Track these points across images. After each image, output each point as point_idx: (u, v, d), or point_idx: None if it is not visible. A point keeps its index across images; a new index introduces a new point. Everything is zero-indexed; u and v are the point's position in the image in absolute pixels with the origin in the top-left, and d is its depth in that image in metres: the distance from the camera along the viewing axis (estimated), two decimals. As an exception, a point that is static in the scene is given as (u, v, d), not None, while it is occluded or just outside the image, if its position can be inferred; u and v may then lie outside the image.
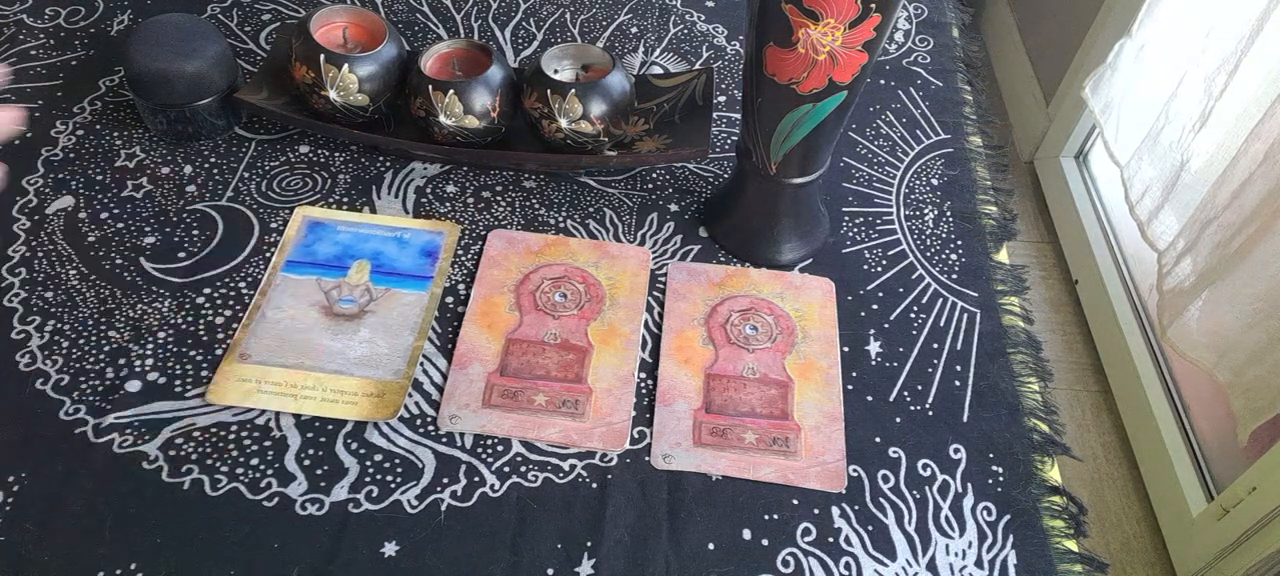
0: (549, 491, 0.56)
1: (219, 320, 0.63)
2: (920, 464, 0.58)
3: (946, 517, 0.56)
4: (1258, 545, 1.09)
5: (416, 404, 0.59)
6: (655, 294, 0.67)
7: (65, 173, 0.71)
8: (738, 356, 0.63)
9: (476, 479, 0.56)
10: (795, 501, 0.56)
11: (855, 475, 0.57)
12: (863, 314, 0.66)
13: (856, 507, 0.56)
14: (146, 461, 0.55)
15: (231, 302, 0.64)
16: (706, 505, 0.56)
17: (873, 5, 0.52)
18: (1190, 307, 1.12)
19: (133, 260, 0.66)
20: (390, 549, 0.53)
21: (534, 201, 0.72)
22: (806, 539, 0.55)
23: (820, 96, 0.57)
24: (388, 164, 0.74)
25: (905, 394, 0.62)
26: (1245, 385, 1.05)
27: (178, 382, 0.59)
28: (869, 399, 0.61)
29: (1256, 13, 1.06)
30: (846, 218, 0.73)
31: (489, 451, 0.57)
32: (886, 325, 0.66)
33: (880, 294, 0.68)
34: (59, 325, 0.62)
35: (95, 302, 0.63)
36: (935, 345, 0.65)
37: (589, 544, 0.53)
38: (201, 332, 0.62)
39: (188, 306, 0.63)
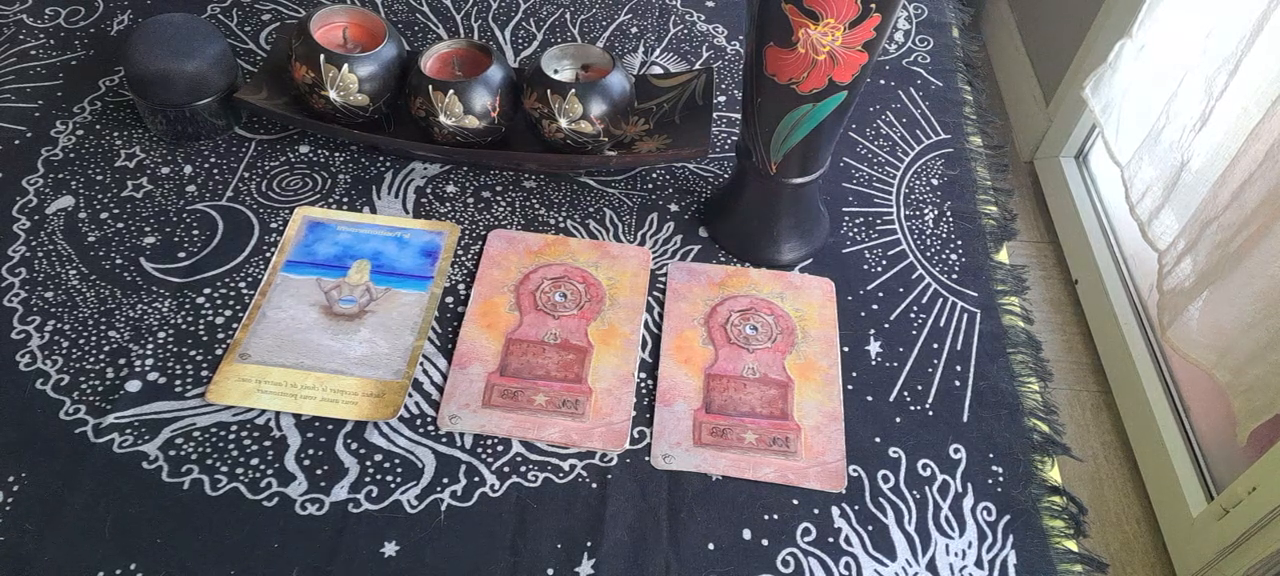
0: (549, 491, 0.56)
1: (219, 320, 0.63)
2: (920, 464, 0.58)
3: (946, 517, 0.56)
4: (1258, 545, 1.09)
5: (416, 404, 0.59)
6: (655, 294, 0.67)
7: (65, 173, 0.71)
8: (738, 356, 0.63)
9: (476, 479, 0.56)
10: (795, 501, 0.56)
11: (855, 475, 0.57)
12: (863, 314, 0.66)
13: (856, 507, 0.56)
14: (146, 461, 0.55)
15: (231, 302, 0.64)
16: (706, 505, 0.56)
17: (873, 5, 0.52)
18: (1190, 308, 1.12)
19: (133, 260, 0.66)
20: (390, 549, 0.53)
21: (534, 201, 0.72)
22: (806, 539, 0.55)
23: (820, 96, 0.57)
24: (388, 164, 0.74)
25: (905, 394, 0.62)
26: (1245, 385, 1.05)
27: (178, 382, 0.59)
28: (869, 399, 0.61)
29: (1257, 13, 1.06)
30: (846, 218, 0.73)
31: (489, 451, 0.57)
32: (886, 325, 0.66)
33: (880, 294, 0.68)
34: (59, 325, 0.62)
35: (95, 302, 0.63)
36: (935, 345, 0.65)
37: (589, 544, 0.53)
38: (201, 332, 0.62)
39: (188, 306, 0.63)
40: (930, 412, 0.61)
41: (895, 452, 0.59)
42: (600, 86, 0.68)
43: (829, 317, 0.66)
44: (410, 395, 0.59)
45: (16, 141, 0.73)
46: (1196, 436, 1.28)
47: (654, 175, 0.75)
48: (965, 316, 0.67)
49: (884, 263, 0.70)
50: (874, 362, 0.63)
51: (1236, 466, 1.18)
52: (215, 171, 0.72)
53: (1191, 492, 1.23)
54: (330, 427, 0.58)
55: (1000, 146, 0.82)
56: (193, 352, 0.61)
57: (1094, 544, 1.27)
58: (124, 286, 0.64)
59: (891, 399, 0.62)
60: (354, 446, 0.57)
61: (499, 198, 0.72)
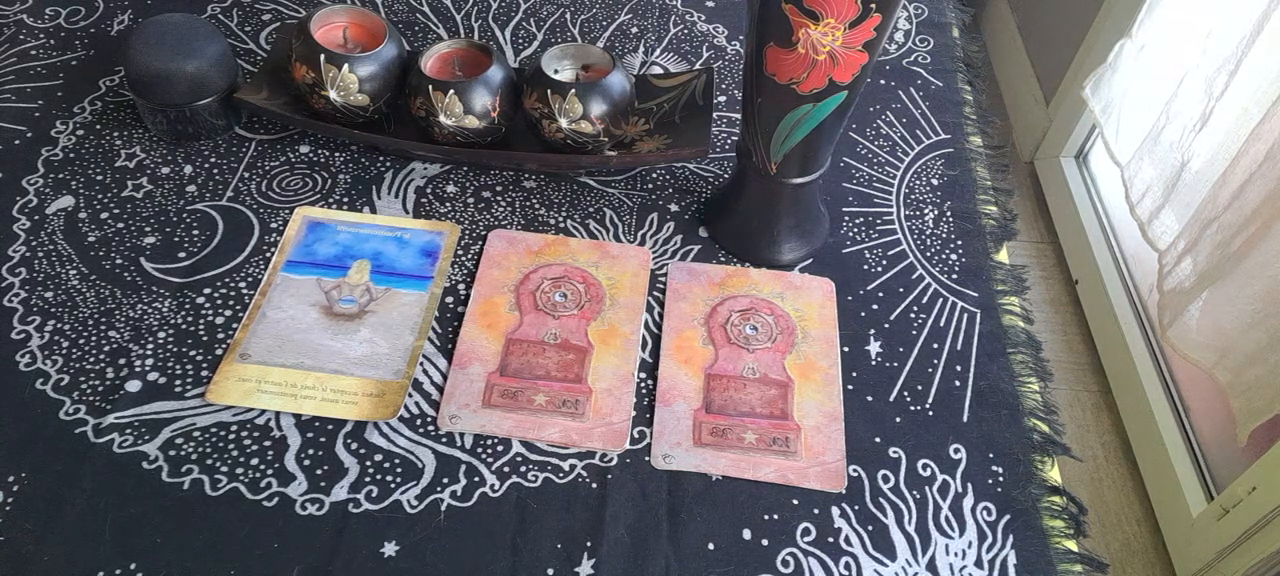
0: (549, 491, 0.56)
1: (219, 320, 0.63)
2: (920, 464, 0.58)
3: (946, 517, 0.56)
4: (1258, 545, 1.09)
5: (416, 404, 0.59)
6: (655, 294, 0.67)
7: (65, 173, 0.71)
8: (738, 356, 0.63)
9: (476, 479, 0.56)
10: (795, 501, 0.56)
11: (855, 475, 0.57)
12: (863, 314, 0.66)
13: (856, 507, 0.56)
14: (146, 461, 0.55)
15: (231, 302, 0.64)
16: (706, 505, 0.56)
17: (873, 5, 0.52)
18: (1190, 308, 1.12)
19: (133, 260, 0.66)
20: (390, 549, 0.53)
21: (534, 201, 0.72)
22: (806, 539, 0.55)
23: (820, 96, 0.57)
24: (388, 164, 0.74)
25: (905, 394, 0.62)
26: (1245, 385, 1.05)
27: (178, 382, 0.59)
28: (869, 399, 0.61)
29: (1257, 13, 1.06)
30: (846, 218, 0.73)
31: (489, 451, 0.57)
32: (886, 325, 0.66)
33: (880, 294, 0.68)
34: (59, 325, 0.62)
35: (95, 302, 0.63)
36: (935, 345, 0.65)
37: (589, 544, 0.53)
38: (201, 332, 0.62)
39: (188, 306, 0.63)
40: (930, 412, 0.61)
41: (895, 452, 0.59)
42: (600, 86, 0.68)
43: (829, 317, 0.66)
44: (410, 395, 0.59)
45: (16, 141, 0.73)
46: (1196, 436, 1.28)
47: (654, 175, 0.75)
48: (965, 316, 0.67)
49: (884, 263, 0.70)
50: (874, 363, 0.63)
51: (1236, 466, 1.18)
52: (215, 171, 0.72)
53: (1191, 492, 1.23)
54: (330, 427, 0.58)
55: (1000, 146, 0.82)
56: (193, 352, 0.61)
57: (1094, 544, 1.27)
58: (124, 286, 0.64)
59: (891, 399, 0.62)
60: (354, 446, 0.57)
61: (499, 198, 0.72)
